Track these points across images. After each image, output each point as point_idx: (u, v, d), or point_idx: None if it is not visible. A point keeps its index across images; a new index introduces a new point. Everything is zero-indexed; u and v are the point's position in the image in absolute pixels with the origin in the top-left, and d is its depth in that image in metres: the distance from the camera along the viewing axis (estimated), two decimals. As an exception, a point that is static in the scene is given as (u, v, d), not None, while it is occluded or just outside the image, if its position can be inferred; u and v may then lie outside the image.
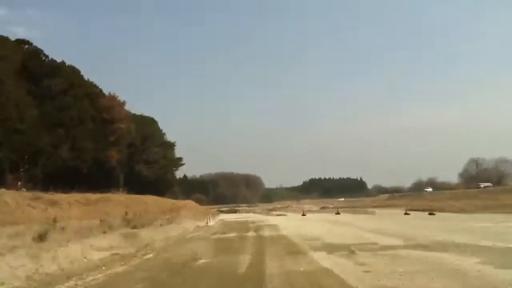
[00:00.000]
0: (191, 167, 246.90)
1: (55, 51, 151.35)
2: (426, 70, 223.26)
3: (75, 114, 52.53)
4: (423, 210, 48.90)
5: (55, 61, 52.84)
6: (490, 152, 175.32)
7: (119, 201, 51.72)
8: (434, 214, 41.00)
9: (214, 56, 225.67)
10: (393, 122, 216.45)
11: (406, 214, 44.06)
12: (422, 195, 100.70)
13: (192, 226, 30.57)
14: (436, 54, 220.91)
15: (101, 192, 52.82)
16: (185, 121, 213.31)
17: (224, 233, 25.50)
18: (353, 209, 57.57)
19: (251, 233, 24.50)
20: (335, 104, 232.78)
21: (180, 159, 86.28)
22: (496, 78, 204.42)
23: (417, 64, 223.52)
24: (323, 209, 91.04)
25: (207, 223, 36.39)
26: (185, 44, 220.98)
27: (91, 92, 58.68)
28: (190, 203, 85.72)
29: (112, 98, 63.59)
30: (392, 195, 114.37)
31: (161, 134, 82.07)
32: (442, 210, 45.62)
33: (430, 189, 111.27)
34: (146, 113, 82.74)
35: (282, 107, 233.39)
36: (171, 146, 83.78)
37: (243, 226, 32.98)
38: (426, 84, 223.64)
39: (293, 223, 34.65)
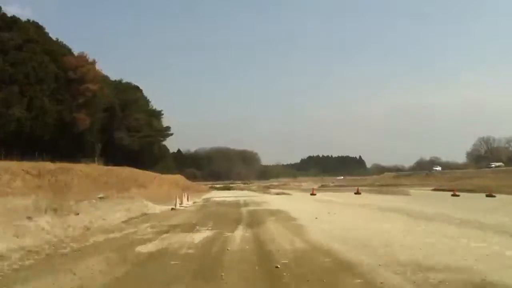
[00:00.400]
0: (186, 142, 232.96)
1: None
2: (428, 44, 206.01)
3: (31, 70, 40.73)
4: (456, 190, 35.38)
5: (13, 16, 43.77)
6: (494, 131, 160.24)
7: (84, 172, 37.49)
8: (494, 196, 27.69)
9: (214, 36, 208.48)
10: (391, 100, 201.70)
11: (454, 195, 30.47)
12: (432, 174, 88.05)
13: (127, 215, 16.24)
14: (436, 27, 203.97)
15: (69, 161, 39.43)
16: (182, 96, 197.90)
17: (187, 231, 11.34)
18: (377, 188, 43.40)
19: (240, 234, 10.47)
20: (335, 84, 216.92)
21: (167, 128, 72.08)
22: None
23: (418, 37, 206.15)
24: (323, 187, 77.89)
25: (175, 205, 22.24)
26: (185, 19, 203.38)
27: (55, 50, 46.46)
28: (178, 178, 71.70)
29: (81, 57, 50.20)
30: (398, 173, 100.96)
31: (145, 101, 68.26)
32: (484, 190, 31.65)
33: (439, 168, 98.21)
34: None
35: (282, 86, 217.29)
36: (157, 114, 69.85)
37: (231, 212, 18.94)
38: (425, 60, 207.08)
39: (309, 208, 20.37)
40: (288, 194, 40.38)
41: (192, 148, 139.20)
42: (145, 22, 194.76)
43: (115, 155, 57.84)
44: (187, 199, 27.55)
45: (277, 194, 42.49)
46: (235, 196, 38.64)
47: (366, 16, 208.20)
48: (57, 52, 46.84)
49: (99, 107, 52.19)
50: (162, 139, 72.76)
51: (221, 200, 32.16)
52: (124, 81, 64.15)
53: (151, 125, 65.10)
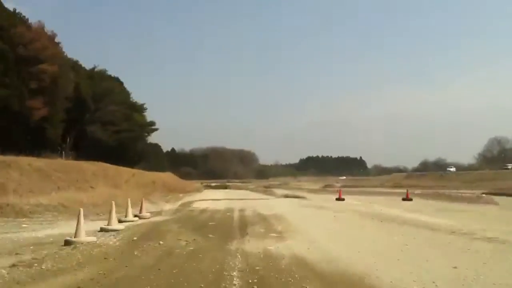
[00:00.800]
0: (181, 142, 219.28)
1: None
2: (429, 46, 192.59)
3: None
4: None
5: None
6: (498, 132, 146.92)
7: (34, 167, 24.18)
8: None
9: (211, 26, 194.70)
10: (391, 102, 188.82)
11: None
12: (447, 176, 75.28)
13: None
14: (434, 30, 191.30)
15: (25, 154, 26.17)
16: (176, 95, 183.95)
17: None
18: (432, 192, 29.55)
19: None
20: (335, 85, 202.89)
21: (151, 123, 59.11)
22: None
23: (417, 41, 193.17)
24: (328, 187, 64.90)
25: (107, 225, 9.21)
26: (181, 11, 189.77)
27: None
28: (165, 176, 58.00)
29: (37, 29, 37.18)
30: (409, 174, 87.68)
31: (125, 93, 55.08)
32: None
33: (453, 169, 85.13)
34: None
35: (280, 82, 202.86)
36: (139, 108, 56.70)
37: (202, 266, 5.97)
38: (428, 64, 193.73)
39: (410, 248, 7.37)
40: (302, 197, 26.97)
41: (187, 148, 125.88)
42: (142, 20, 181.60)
43: (90, 151, 45.05)
44: (141, 209, 14.36)
45: (286, 197, 29.22)
46: (229, 199, 25.55)
47: (367, 21, 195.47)
48: (7, 22, 33.99)
49: (61, 94, 39.13)
50: (146, 134, 59.75)
51: (205, 207, 18.96)
52: (98, 68, 50.66)
53: (130, 119, 52.04)
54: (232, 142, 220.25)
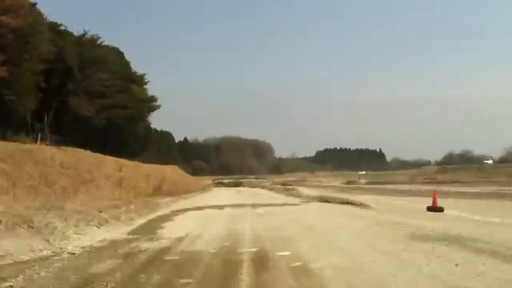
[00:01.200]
0: (194, 130, 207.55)
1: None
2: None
3: None
4: None
5: None
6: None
7: None
8: None
9: (222, 17, 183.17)
10: (408, 93, 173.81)
11: None
12: (485, 169, 63.02)
13: None
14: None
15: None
16: (190, 79, 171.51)
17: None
18: None
19: None
20: (350, 75, 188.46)
21: (152, 98, 46.60)
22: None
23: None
24: (351, 183, 53.22)
25: None
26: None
27: None
28: (167, 170, 46.78)
29: None
30: (443, 168, 74.96)
31: (122, 63, 43.40)
32: None
33: (490, 161, 72.32)
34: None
35: (295, 74, 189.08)
36: (138, 79, 44.80)
37: None
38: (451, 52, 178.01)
39: None
40: (360, 205, 15.13)
41: (201, 138, 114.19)
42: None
43: (74, 134, 34.23)
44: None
45: (322, 200, 17.64)
46: (238, 206, 14.20)
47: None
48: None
49: (32, 54, 28.75)
50: (147, 114, 47.18)
51: (179, 237, 7.69)
52: (89, 34, 39.11)
53: (126, 91, 40.35)
54: (246, 131, 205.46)
